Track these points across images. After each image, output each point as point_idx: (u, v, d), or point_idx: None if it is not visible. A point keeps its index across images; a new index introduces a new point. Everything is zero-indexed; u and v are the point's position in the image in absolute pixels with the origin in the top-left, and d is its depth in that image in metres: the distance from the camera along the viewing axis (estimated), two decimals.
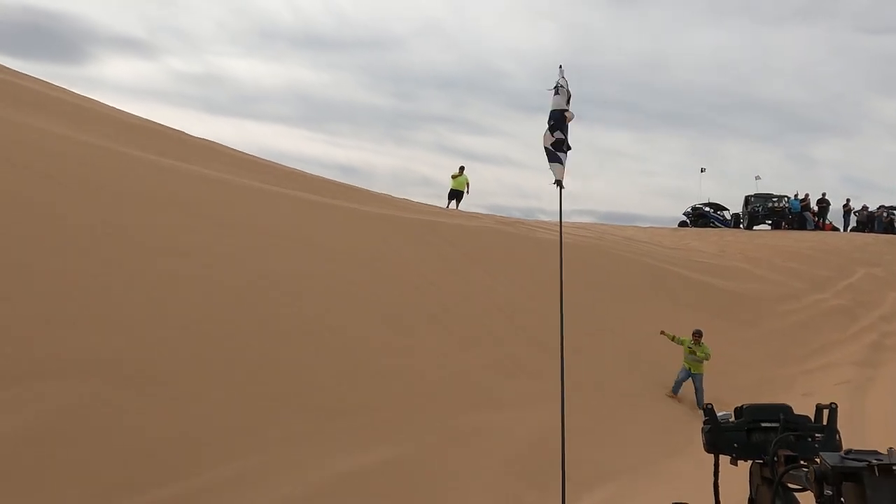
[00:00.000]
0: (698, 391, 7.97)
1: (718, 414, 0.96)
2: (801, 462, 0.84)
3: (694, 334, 8.12)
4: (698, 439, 0.96)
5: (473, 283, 8.33)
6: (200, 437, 4.11)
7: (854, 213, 22.97)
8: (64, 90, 9.43)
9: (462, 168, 15.64)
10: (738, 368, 9.10)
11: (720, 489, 0.98)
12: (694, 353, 8.04)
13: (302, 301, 6.02)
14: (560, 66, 4.53)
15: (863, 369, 9.15)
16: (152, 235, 5.60)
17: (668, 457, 5.79)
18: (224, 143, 10.84)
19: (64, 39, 64.73)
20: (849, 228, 22.79)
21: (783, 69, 72.98)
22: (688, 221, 24.30)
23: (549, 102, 4.37)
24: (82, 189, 5.63)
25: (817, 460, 0.72)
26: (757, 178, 26.58)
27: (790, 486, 0.83)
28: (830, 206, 22.99)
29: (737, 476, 1.02)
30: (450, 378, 6.18)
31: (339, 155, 56.54)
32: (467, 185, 15.38)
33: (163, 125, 9.96)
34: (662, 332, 8.33)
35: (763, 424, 0.92)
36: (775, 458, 0.87)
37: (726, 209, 24.93)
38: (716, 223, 24.10)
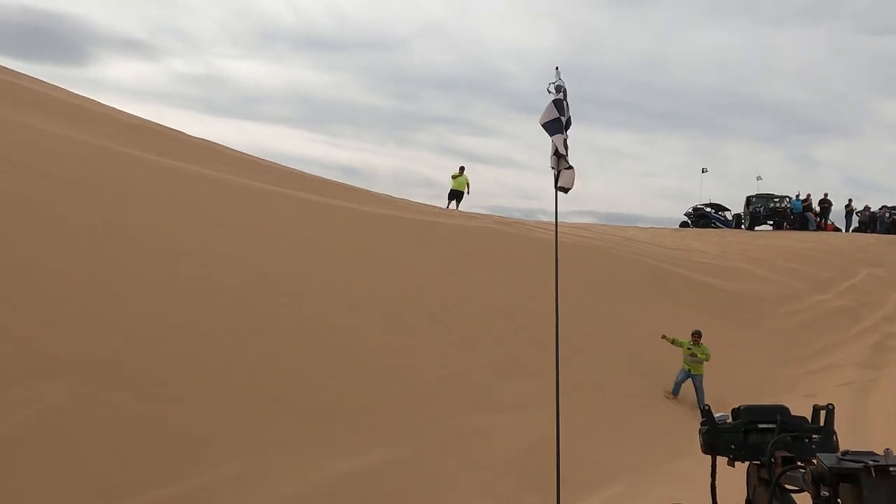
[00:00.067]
0: (698, 392, 7.95)
1: (716, 415, 0.95)
2: (799, 463, 0.83)
3: (693, 335, 8.09)
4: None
5: (473, 283, 8.33)
6: (200, 437, 4.11)
7: (856, 213, 22.91)
8: (64, 90, 9.45)
9: (462, 168, 15.62)
10: (739, 369, 9.08)
11: (718, 490, 0.97)
12: (694, 354, 8.01)
13: (302, 301, 6.02)
14: (557, 68, 4.53)
15: (865, 370, 9.12)
16: (152, 235, 5.60)
17: (669, 458, 5.77)
18: (225, 144, 10.86)
19: (65, 41, 64.97)
20: (851, 229, 22.73)
21: (784, 70, 72.98)
22: (689, 222, 24.27)
23: (550, 106, 4.34)
24: (82, 189, 5.63)
25: (814, 461, 0.71)
26: (758, 178, 26.56)
27: (787, 487, 0.83)
28: (832, 207, 22.96)
29: (734, 477, 1.02)
30: (450, 378, 6.18)
31: (341, 156, 56.68)
32: (467, 185, 15.36)
33: (162, 125, 9.99)
34: (663, 337, 8.29)
35: (760, 425, 0.92)
36: (772, 460, 0.87)
37: (728, 209, 24.89)
38: (717, 224, 24.06)
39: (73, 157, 6.12)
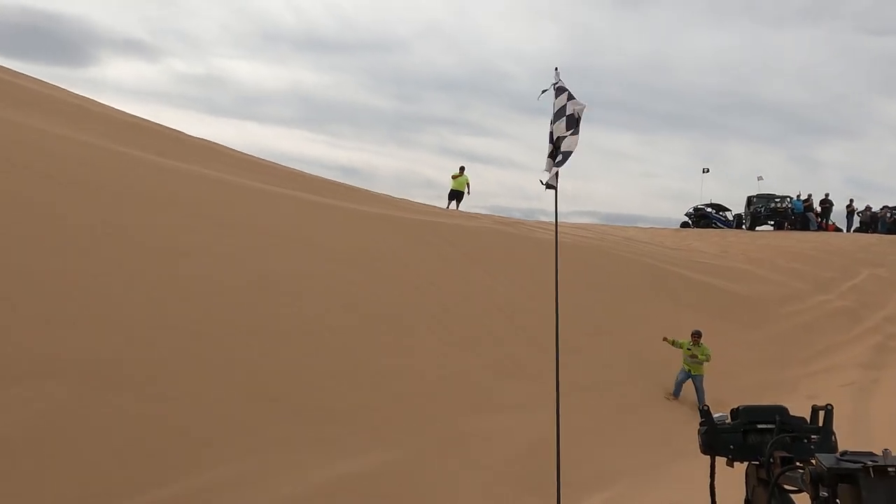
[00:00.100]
0: (699, 392, 7.93)
1: (714, 415, 0.95)
2: (797, 463, 0.83)
3: (693, 335, 8.07)
4: None
5: (473, 283, 8.32)
6: (200, 437, 4.11)
7: (857, 213, 22.87)
8: (63, 90, 9.46)
9: (462, 168, 15.59)
10: (740, 370, 9.06)
11: (717, 490, 0.97)
12: (694, 354, 7.99)
13: (302, 301, 6.02)
14: (556, 69, 4.52)
15: (867, 371, 9.09)
16: (152, 235, 5.61)
17: (670, 459, 5.75)
18: (225, 145, 10.86)
19: (65, 41, 65.06)
20: (852, 229, 22.69)
21: (785, 70, 72.88)
22: (690, 222, 24.23)
23: (553, 104, 4.34)
24: (82, 189, 5.64)
25: (813, 462, 0.71)
26: (759, 178, 26.49)
27: (786, 487, 0.83)
28: (833, 207, 22.91)
29: (733, 478, 1.01)
30: (450, 378, 6.17)
31: (341, 157, 56.71)
32: (468, 185, 15.32)
33: (162, 125, 9.99)
34: (665, 339, 8.27)
35: (759, 426, 0.92)
36: (771, 460, 0.87)
37: (728, 210, 24.85)
38: (718, 224, 24.02)
39: (73, 157, 6.13)
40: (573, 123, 4.25)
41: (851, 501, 0.63)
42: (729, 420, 0.94)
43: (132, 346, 4.40)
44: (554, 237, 4.83)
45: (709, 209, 24.58)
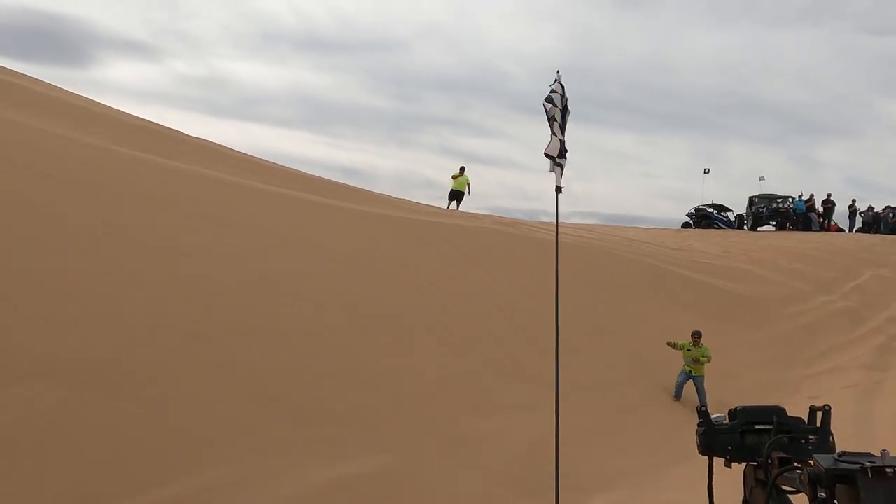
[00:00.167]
0: (700, 393, 7.91)
1: (712, 416, 0.94)
2: (795, 464, 0.83)
3: (693, 335, 8.04)
4: None
5: (473, 283, 8.32)
6: (200, 437, 4.11)
7: (860, 213, 22.80)
8: (63, 90, 9.49)
9: (462, 168, 15.57)
10: (743, 371, 9.03)
11: (715, 491, 0.96)
12: (695, 356, 7.96)
13: (302, 301, 6.02)
14: (557, 72, 4.53)
15: (870, 372, 9.06)
16: (152, 235, 5.61)
17: (670, 462, 5.73)
18: (225, 145, 10.87)
19: (67, 42, 65.26)
20: (854, 229, 22.63)
21: (786, 71, 72.73)
22: (691, 222, 24.19)
23: (550, 111, 4.35)
24: (82, 189, 5.65)
25: (811, 462, 0.70)
26: (761, 178, 26.41)
27: (784, 488, 0.82)
28: (836, 207, 22.86)
29: (731, 478, 1.00)
30: (450, 379, 6.17)
31: (342, 157, 56.75)
32: (468, 185, 15.31)
33: (162, 126, 10.02)
34: (668, 344, 8.23)
35: (757, 427, 0.91)
36: (769, 461, 0.86)
37: (730, 210, 24.80)
38: (719, 224, 23.97)
39: (73, 157, 6.14)
40: (555, 124, 4.28)
41: (849, 502, 0.63)
42: (727, 421, 0.94)
43: (132, 346, 4.40)
44: (555, 237, 4.82)
45: (710, 209, 24.53)
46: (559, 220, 4.85)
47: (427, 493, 4.62)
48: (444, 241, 9.19)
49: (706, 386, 7.94)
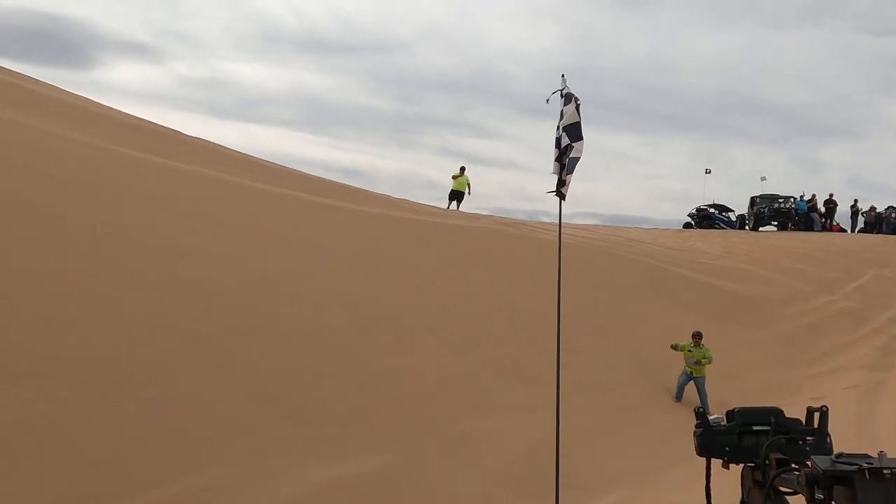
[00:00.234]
0: (701, 395, 7.88)
1: (710, 417, 0.94)
2: (793, 465, 0.83)
3: (694, 336, 8.02)
4: None
5: (473, 283, 8.31)
6: (200, 437, 4.11)
7: (862, 213, 22.75)
8: (63, 91, 9.51)
9: (463, 168, 15.55)
10: (744, 372, 9.01)
11: (712, 493, 0.95)
12: (696, 358, 7.93)
13: (302, 301, 6.02)
14: (563, 76, 4.53)
15: (872, 373, 9.03)
16: (152, 235, 5.62)
17: (670, 462, 5.72)
18: (226, 146, 10.88)
19: (69, 44, 65.39)
20: (856, 229, 22.58)
21: (786, 71, 72.56)
22: (693, 223, 24.16)
23: (561, 111, 4.34)
24: (82, 189, 5.66)
25: (808, 464, 0.70)
26: (762, 178, 26.39)
27: (782, 489, 0.82)
28: (837, 207, 22.81)
29: (729, 480, 0.99)
30: (450, 379, 6.16)
31: (344, 158, 56.76)
32: (468, 185, 15.29)
33: (162, 126, 10.03)
34: (672, 347, 8.19)
35: (754, 428, 0.91)
36: (767, 462, 0.86)
37: (731, 210, 24.77)
38: (721, 224, 23.93)
39: (73, 157, 6.15)
40: (577, 131, 4.27)
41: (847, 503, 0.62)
42: (724, 422, 0.93)
43: (132, 346, 4.40)
44: (556, 237, 4.81)
45: (712, 210, 24.49)
46: (561, 221, 4.84)
47: (427, 493, 4.61)
48: (444, 241, 9.19)
49: (707, 387, 7.91)
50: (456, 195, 15.26)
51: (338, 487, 4.27)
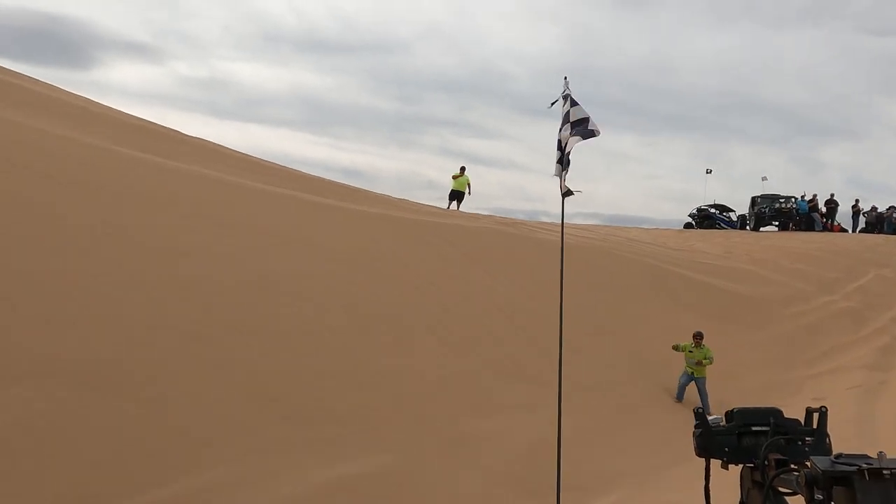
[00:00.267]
0: (702, 395, 7.88)
1: (709, 418, 0.93)
2: (792, 466, 0.83)
3: (694, 336, 8.01)
4: None
5: (473, 283, 8.31)
6: (200, 437, 4.11)
7: (863, 213, 22.73)
8: (63, 91, 9.51)
9: (463, 168, 15.54)
10: (745, 372, 9.00)
11: (711, 493, 0.95)
12: (697, 358, 7.92)
13: (302, 301, 6.02)
14: (565, 78, 4.55)
15: (873, 373, 9.02)
16: (152, 235, 5.62)
17: (670, 463, 5.71)
18: (225, 145, 10.88)
19: (69, 44, 65.46)
20: (857, 229, 22.56)
21: (787, 71, 72.58)
22: (693, 223, 24.14)
23: (567, 112, 4.35)
24: (82, 189, 5.66)
25: (808, 464, 0.69)
26: (763, 178, 26.37)
27: (781, 489, 0.81)
28: (838, 207, 22.79)
29: (728, 480, 0.99)
30: (450, 379, 6.16)
31: (344, 158, 56.84)
32: (468, 185, 15.29)
33: (162, 126, 10.03)
34: (673, 348, 8.17)
35: (754, 428, 0.91)
36: (766, 462, 0.86)
37: (732, 210, 24.75)
38: (721, 224, 23.92)
39: (73, 157, 6.15)
40: (585, 126, 4.28)
41: None
42: (723, 423, 0.93)
43: (132, 346, 4.40)
44: (556, 238, 4.81)
45: (712, 210, 24.47)
46: (560, 221, 4.84)
47: (427, 493, 4.61)
48: (444, 241, 9.18)
49: (708, 387, 7.90)
50: (456, 195, 15.26)
51: (338, 487, 4.27)
